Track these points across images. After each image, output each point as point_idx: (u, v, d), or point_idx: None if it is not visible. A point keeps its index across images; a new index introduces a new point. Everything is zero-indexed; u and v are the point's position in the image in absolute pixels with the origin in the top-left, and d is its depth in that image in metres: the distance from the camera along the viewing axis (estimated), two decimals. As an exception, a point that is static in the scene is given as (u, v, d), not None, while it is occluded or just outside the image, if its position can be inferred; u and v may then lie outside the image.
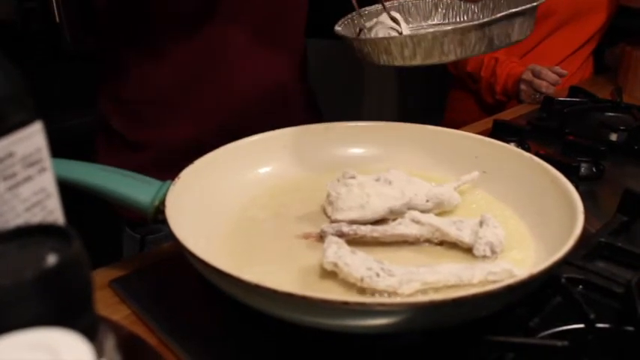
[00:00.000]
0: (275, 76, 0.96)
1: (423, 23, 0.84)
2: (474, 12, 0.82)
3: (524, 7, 0.65)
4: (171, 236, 0.53)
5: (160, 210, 0.59)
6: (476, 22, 0.63)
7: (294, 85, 1.01)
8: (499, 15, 0.64)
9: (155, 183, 0.61)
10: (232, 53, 0.90)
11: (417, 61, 0.65)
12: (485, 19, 0.64)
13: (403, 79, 2.53)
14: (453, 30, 0.63)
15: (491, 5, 0.80)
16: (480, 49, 0.64)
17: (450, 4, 0.84)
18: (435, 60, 0.65)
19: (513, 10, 0.64)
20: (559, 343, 0.47)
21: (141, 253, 0.69)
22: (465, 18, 0.83)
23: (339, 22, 0.76)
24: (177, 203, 0.58)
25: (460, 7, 0.83)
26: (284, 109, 0.98)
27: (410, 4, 0.84)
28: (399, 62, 0.66)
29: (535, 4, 0.66)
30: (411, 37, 0.64)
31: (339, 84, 2.44)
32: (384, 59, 0.67)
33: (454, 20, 0.83)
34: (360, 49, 0.68)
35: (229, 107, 0.92)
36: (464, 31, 0.63)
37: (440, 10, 0.84)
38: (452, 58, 0.64)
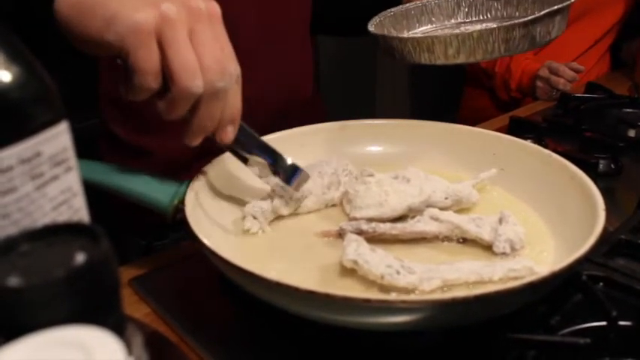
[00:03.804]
0: (279, 82, 0.94)
1: (447, 22, 0.84)
2: (497, 9, 0.82)
3: (564, 4, 0.65)
4: (190, 235, 0.53)
5: (179, 209, 0.59)
6: (521, 20, 0.63)
7: (300, 89, 1.00)
8: (543, 12, 0.64)
9: (174, 182, 0.62)
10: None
11: (460, 60, 0.65)
12: (530, 17, 0.64)
13: (415, 76, 2.53)
14: (499, 28, 0.63)
15: (514, 2, 0.80)
16: (523, 47, 0.65)
17: (472, 1, 0.83)
18: (478, 58, 0.65)
19: (556, 7, 0.65)
20: (581, 341, 0.47)
21: (160, 252, 0.69)
22: (489, 15, 0.83)
23: (370, 23, 0.76)
24: (196, 202, 0.58)
25: (483, 4, 0.82)
26: (288, 113, 0.95)
27: (433, 4, 0.84)
28: (441, 61, 0.66)
29: (571, 0, 0.66)
30: (456, 35, 0.64)
31: (351, 82, 2.44)
32: (425, 58, 0.66)
33: (477, 18, 0.83)
34: (400, 48, 0.68)
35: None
36: (509, 29, 0.63)
37: (462, 8, 0.84)
38: (495, 55, 0.65)
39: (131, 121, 0.90)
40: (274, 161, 0.62)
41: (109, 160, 0.88)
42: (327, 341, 0.51)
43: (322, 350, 0.51)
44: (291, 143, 0.75)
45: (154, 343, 0.36)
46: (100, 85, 0.93)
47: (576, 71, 1.28)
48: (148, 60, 0.47)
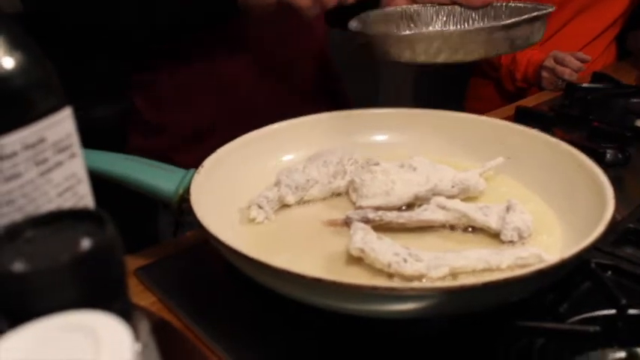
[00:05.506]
0: (297, 65, 0.97)
1: (424, 29, 0.85)
2: (474, 19, 0.83)
3: (542, 12, 0.68)
4: (196, 224, 0.53)
5: (184, 199, 0.59)
6: (502, 23, 0.66)
7: (316, 73, 1.02)
8: (523, 17, 0.66)
9: (179, 171, 0.61)
10: (252, 46, 0.92)
11: (441, 59, 0.66)
12: (511, 20, 0.66)
13: (419, 67, 2.51)
14: (482, 29, 0.65)
15: (492, 13, 0.81)
16: (504, 49, 0.68)
17: (450, 11, 0.86)
18: (458, 58, 0.66)
19: (535, 13, 0.68)
20: (591, 329, 0.47)
21: (165, 241, 0.69)
22: (466, 25, 0.84)
23: (350, 23, 0.77)
24: (201, 191, 0.58)
25: (461, 14, 0.84)
26: (306, 96, 0.98)
27: (412, 10, 0.85)
28: (422, 59, 0.66)
29: (550, 10, 0.69)
30: (438, 33, 0.65)
31: (354, 72, 2.43)
32: (406, 56, 0.67)
33: (454, 27, 0.86)
34: (381, 45, 0.69)
35: (248, 93, 0.94)
36: (491, 30, 0.64)
37: (441, 16, 0.86)
38: (475, 57, 0.67)
39: (153, 98, 0.96)
40: None
41: (135, 138, 0.97)
42: (332, 328, 0.51)
43: (328, 337, 0.51)
44: (296, 132, 0.75)
45: (161, 330, 0.36)
46: (127, 62, 0.98)
47: (582, 61, 1.27)
48: None
